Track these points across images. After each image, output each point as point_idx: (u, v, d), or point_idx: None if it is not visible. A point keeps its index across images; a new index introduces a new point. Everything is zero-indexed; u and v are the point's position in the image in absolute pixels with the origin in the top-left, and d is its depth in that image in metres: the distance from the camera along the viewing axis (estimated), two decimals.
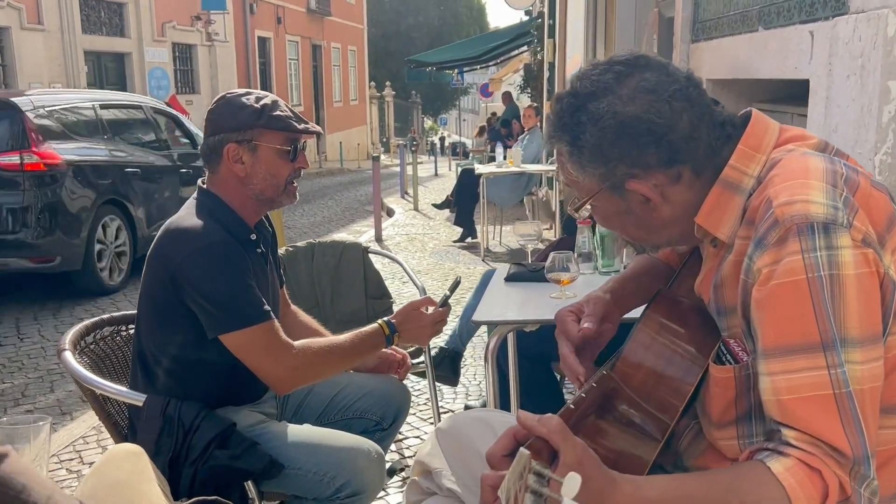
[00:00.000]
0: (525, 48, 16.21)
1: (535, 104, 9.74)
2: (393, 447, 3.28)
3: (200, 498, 1.11)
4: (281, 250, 3.06)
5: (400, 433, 3.42)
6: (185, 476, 1.80)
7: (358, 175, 19.66)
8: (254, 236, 1.99)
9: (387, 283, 3.45)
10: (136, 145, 7.18)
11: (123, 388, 1.97)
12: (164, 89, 16.20)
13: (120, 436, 2.04)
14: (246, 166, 1.91)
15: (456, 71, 20.96)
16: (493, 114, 18.83)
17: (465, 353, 3.69)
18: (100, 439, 3.51)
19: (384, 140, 29.68)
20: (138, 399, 1.90)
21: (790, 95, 2.63)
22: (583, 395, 1.16)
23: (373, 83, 30.33)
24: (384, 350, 2.32)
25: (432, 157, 22.40)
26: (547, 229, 7.92)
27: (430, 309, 2.07)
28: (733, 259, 1.16)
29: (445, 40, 27.96)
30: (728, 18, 2.90)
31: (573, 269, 2.19)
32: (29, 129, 5.92)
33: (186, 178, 7.43)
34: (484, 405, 3.45)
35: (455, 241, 8.54)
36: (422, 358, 2.95)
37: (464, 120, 49.66)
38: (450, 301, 2.13)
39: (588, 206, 1.28)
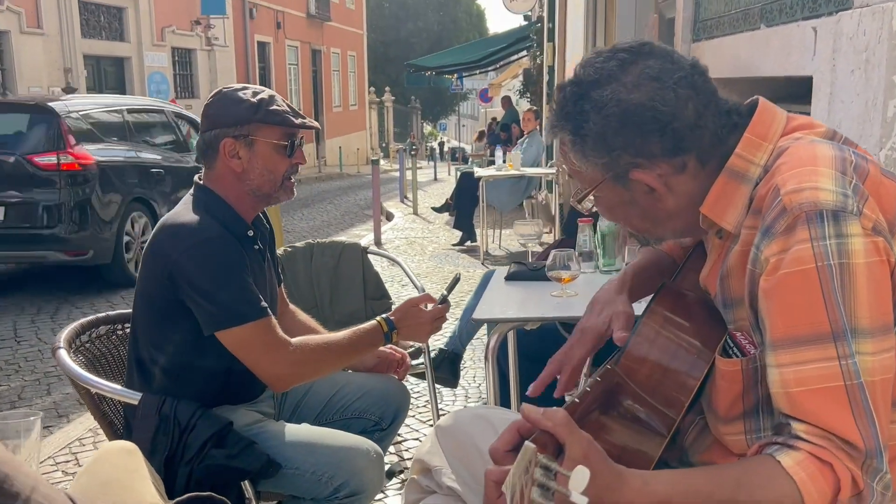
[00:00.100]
0: (524, 53, 16.22)
1: (535, 108, 9.72)
2: (392, 449, 3.25)
3: (194, 494, 1.08)
4: (279, 251, 3.04)
5: (399, 435, 3.39)
6: (181, 475, 1.77)
7: (357, 180, 19.64)
8: (251, 232, 1.96)
9: (386, 286, 3.43)
10: (160, 147, 7.67)
11: (118, 387, 1.94)
12: (164, 94, 16.19)
13: (116, 436, 2.01)
14: (242, 161, 1.89)
15: (455, 76, 20.96)
16: (494, 119, 18.83)
17: (464, 356, 3.66)
18: (96, 441, 3.48)
19: (384, 145, 29.66)
20: (133, 397, 1.87)
21: (792, 94, 2.60)
22: (587, 389, 1.13)
23: (372, 88, 30.34)
24: (383, 349, 2.30)
25: (431, 163, 22.39)
26: (546, 233, 7.90)
27: (430, 306, 2.04)
28: (739, 249, 1.14)
29: (445, 46, 28.00)
30: (729, 17, 2.88)
31: (574, 267, 2.17)
32: (64, 131, 6.34)
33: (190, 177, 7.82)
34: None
35: (454, 245, 8.51)
36: (421, 359, 2.92)
37: (463, 125, 49.70)
38: (449, 300, 2.11)
39: (591, 198, 1.25)
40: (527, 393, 1.37)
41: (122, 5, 15.77)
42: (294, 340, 1.87)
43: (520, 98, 17.35)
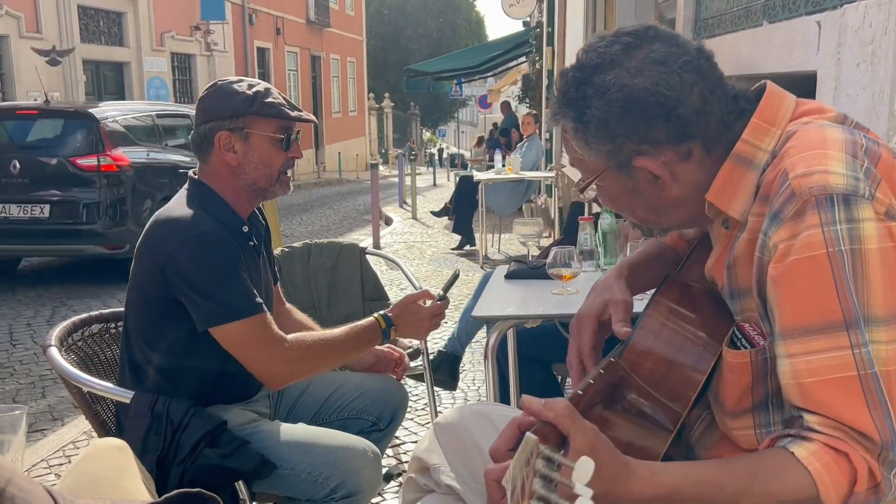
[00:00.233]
0: (523, 59, 16.20)
1: (534, 112, 9.70)
2: (390, 452, 3.21)
3: (183, 490, 1.04)
4: (277, 251, 3.00)
5: (397, 437, 3.35)
6: (174, 475, 1.73)
7: (356, 185, 19.63)
8: (246, 228, 1.93)
9: (385, 289, 3.38)
10: (187, 149, 8.19)
11: (109, 385, 1.90)
12: (163, 99, 16.19)
13: (107, 435, 1.97)
14: (238, 155, 1.85)
15: (454, 82, 20.95)
16: (495, 124, 18.81)
17: (464, 358, 3.62)
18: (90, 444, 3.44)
19: (383, 151, 29.66)
20: (125, 396, 1.83)
21: (795, 90, 2.56)
22: (590, 381, 1.09)
23: (371, 94, 30.36)
24: (381, 349, 2.26)
25: (431, 169, 22.38)
26: (546, 237, 7.86)
27: (429, 302, 2.00)
28: (747, 237, 1.10)
29: (444, 52, 27.97)
30: (731, 15, 2.86)
31: (575, 264, 2.13)
32: (103, 135, 6.92)
33: None
34: None
35: (453, 249, 8.48)
36: (420, 360, 2.88)
37: (462, 132, 49.72)
38: (448, 297, 2.07)
39: (594, 187, 1.22)
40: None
41: (121, 10, 15.77)
42: (290, 337, 1.84)
43: (519, 104, 17.32)
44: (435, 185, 19.26)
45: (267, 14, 21.17)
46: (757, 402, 1.11)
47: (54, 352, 1.92)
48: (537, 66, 12.38)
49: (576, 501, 0.65)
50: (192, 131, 1.92)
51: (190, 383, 1.86)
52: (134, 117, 7.62)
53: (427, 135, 41.12)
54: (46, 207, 6.79)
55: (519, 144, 9.34)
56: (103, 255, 6.98)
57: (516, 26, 17.09)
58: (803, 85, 2.26)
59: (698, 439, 1.23)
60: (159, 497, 1.07)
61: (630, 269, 1.45)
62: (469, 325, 3.46)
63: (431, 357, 3.37)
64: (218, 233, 1.81)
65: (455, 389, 3.69)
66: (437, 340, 4.42)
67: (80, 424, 3.67)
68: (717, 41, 2.98)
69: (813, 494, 0.95)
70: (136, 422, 1.78)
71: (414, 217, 11.64)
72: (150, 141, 7.63)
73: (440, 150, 31.50)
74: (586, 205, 4.49)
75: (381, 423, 2.14)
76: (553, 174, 7.81)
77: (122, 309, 2.02)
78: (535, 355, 2.48)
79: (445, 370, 3.42)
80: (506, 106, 15.19)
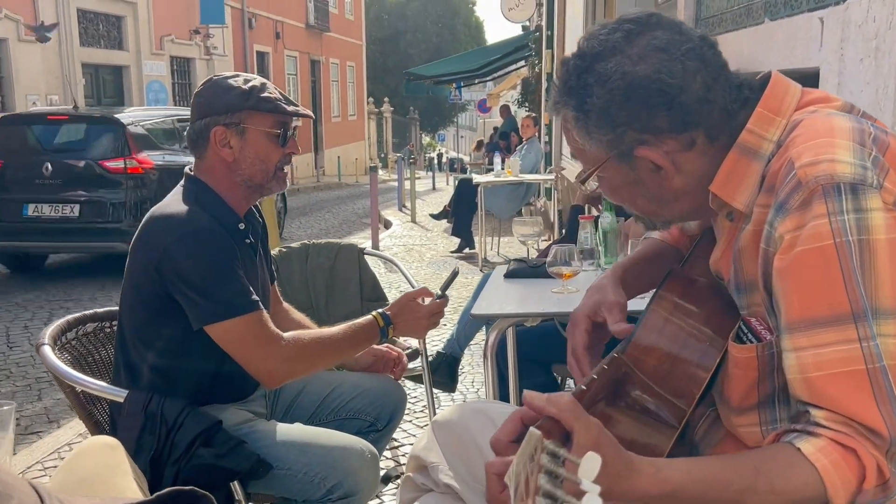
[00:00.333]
0: (522, 63, 16.20)
1: (534, 114, 9.68)
2: (388, 454, 3.18)
3: (176, 488, 1.01)
4: (274, 251, 2.97)
5: (395, 440, 3.32)
6: (168, 475, 1.71)
7: (356, 189, 19.61)
8: (242, 226, 1.90)
9: (383, 290, 3.35)
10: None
11: (103, 383, 1.87)
12: (162, 103, 16.17)
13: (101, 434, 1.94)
14: (234, 151, 1.83)
15: (454, 85, 20.95)
16: (495, 129, 18.81)
17: (463, 360, 3.60)
18: None
19: (382, 156, 29.64)
20: (119, 395, 1.80)
21: None
22: (594, 376, 1.06)
23: (371, 99, 30.35)
24: (379, 348, 2.24)
25: (430, 173, 22.37)
26: (545, 241, 7.83)
27: (427, 300, 1.98)
28: (752, 229, 1.08)
29: (443, 57, 27.96)
30: (732, 13, 2.84)
31: (575, 262, 2.11)
32: (129, 139, 7.30)
33: None
34: None
35: (453, 252, 8.45)
36: (418, 361, 2.85)
37: (461, 136, 49.71)
38: (447, 295, 2.04)
39: (595, 178, 1.19)
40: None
41: (120, 14, 15.75)
42: (287, 335, 1.81)
43: (518, 108, 17.32)
44: (434, 188, 19.23)
45: (266, 18, 21.16)
46: (763, 399, 1.09)
47: (47, 350, 1.89)
48: (536, 69, 12.37)
49: (583, 498, 0.62)
50: (188, 127, 1.90)
51: (185, 383, 1.83)
52: (156, 122, 7.94)
53: (426, 139, 41.12)
54: (76, 207, 7.17)
55: (518, 147, 9.32)
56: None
57: (515, 30, 17.10)
58: (806, 82, 2.22)
59: (703, 437, 1.20)
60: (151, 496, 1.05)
61: (625, 269, 1.42)
62: (468, 327, 3.43)
63: (430, 359, 3.35)
64: (214, 229, 1.78)
65: (454, 391, 3.67)
66: (436, 342, 4.39)
67: (76, 426, 3.64)
68: (717, 40, 2.96)
69: (820, 492, 0.92)
70: (130, 421, 1.76)
71: (413, 220, 11.62)
72: (170, 144, 7.87)
73: (439, 155, 31.47)
74: (586, 208, 4.47)
75: (378, 423, 2.11)
76: (552, 177, 7.79)
77: (118, 308, 2.00)
78: (534, 356, 2.45)
79: (444, 372, 3.39)
80: (505, 109, 15.19)
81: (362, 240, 9.88)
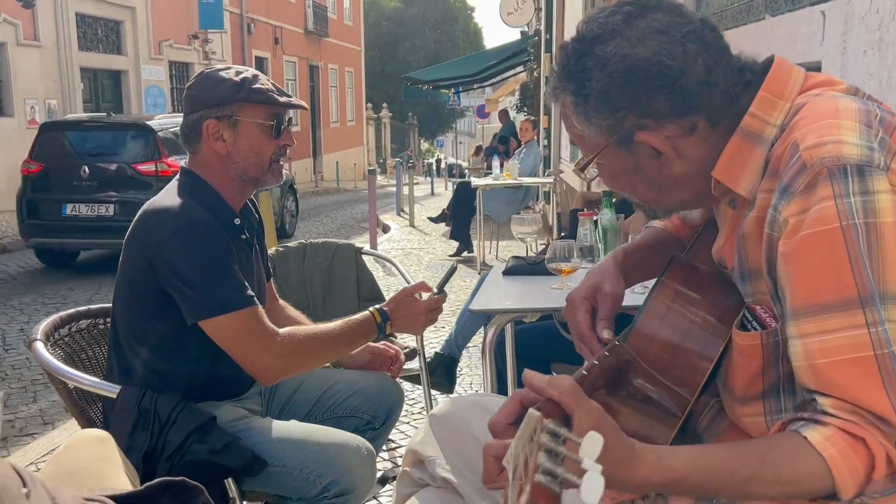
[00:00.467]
0: (521, 68, 16.20)
1: (533, 118, 9.68)
2: (385, 455, 3.16)
3: (166, 479, 0.99)
4: (271, 250, 2.95)
5: (393, 441, 3.29)
6: (161, 472, 1.67)
7: (354, 194, 19.61)
8: (238, 220, 1.87)
9: (381, 290, 3.33)
10: None
11: (95, 379, 1.84)
12: (161, 107, 16.17)
13: None
14: (227, 144, 1.80)
15: (452, 91, 20.95)
16: (495, 135, 18.79)
17: (461, 361, 3.57)
18: None
19: (381, 161, 29.63)
20: (111, 391, 1.77)
21: None
22: (595, 362, 1.04)
23: (369, 104, 30.37)
24: (376, 346, 2.21)
25: (429, 178, 22.37)
26: (542, 244, 7.80)
27: (426, 296, 1.95)
28: (756, 215, 1.05)
29: (442, 63, 28.03)
30: (732, 10, 2.83)
31: (575, 259, 2.08)
32: (160, 144, 7.83)
33: None
34: None
35: (451, 256, 8.42)
36: (416, 362, 2.83)
37: (460, 142, 49.74)
38: (446, 293, 2.01)
39: (595, 166, 1.17)
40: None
41: (119, 18, 15.76)
42: (283, 330, 1.78)
43: (517, 113, 17.31)
44: (433, 193, 19.23)
45: (265, 23, 21.18)
46: (768, 388, 1.06)
47: (40, 346, 1.86)
48: (535, 74, 12.37)
49: (584, 476, 0.59)
50: (182, 122, 1.88)
51: (179, 380, 1.80)
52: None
53: (425, 145, 41.13)
54: (111, 207, 7.74)
55: (517, 151, 9.31)
56: None
57: (514, 36, 17.11)
58: None
59: (706, 428, 1.17)
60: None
61: (626, 254, 1.39)
62: (466, 327, 3.41)
63: (428, 359, 3.32)
64: (208, 223, 1.75)
65: (452, 392, 3.63)
66: (433, 344, 4.37)
67: (71, 428, 3.61)
68: None
69: (828, 482, 0.90)
70: (123, 417, 1.73)
71: (411, 224, 11.60)
72: None
73: (438, 161, 31.47)
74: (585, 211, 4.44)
75: (375, 421, 2.08)
76: (551, 180, 7.78)
77: (111, 305, 1.97)
78: (533, 354, 2.43)
79: (442, 373, 3.36)
80: (504, 114, 15.17)
81: (361, 243, 9.81)
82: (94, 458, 1.25)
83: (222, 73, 1.81)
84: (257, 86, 1.79)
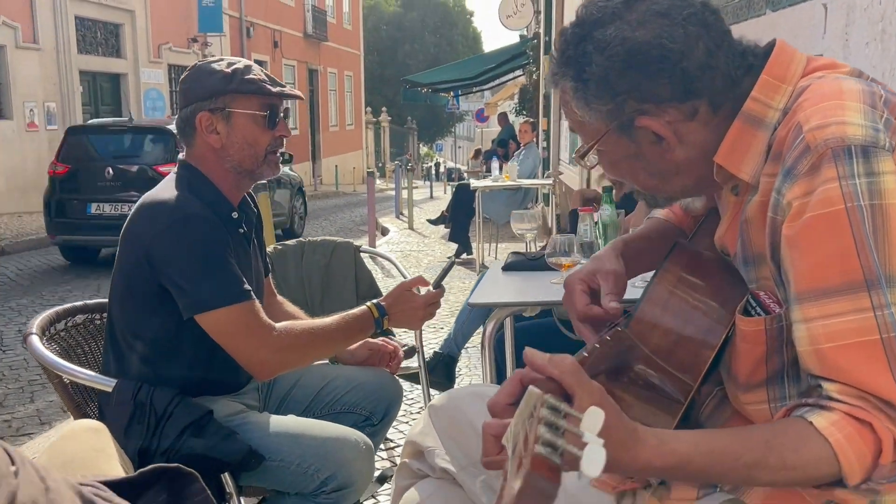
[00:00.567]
0: (520, 72, 16.20)
1: (532, 120, 9.67)
2: (384, 454, 3.14)
3: (160, 465, 0.97)
4: (269, 248, 2.93)
5: (391, 441, 3.27)
6: None
7: (353, 198, 19.60)
8: (235, 214, 1.86)
9: (380, 289, 3.31)
10: None
11: (91, 372, 1.83)
12: (160, 111, 16.17)
13: None
14: (221, 136, 1.78)
15: (451, 94, 20.95)
16: (494, 141, 18.78)
17: (460, 363, 3.55)
18: None
19: (380, 165, 29.64)
20: (107, 384, 1.76)
21: None
22: (596, 345, 1.02)
23: (368, 108, 30.38)
24: (375, 341, 2.19)
25: (427, 182, 22.36)
26: (542, 246, 7.79)
27: (423, 290, 1.93)
28: (759, 200, 1.04)
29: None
30: (732, 7, 2.81)
31: (575, 253, 2.07)
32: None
33: (267, 182, 10.23)
34: None
35: (450, 258, 8.40)
36: (415, 360, 2.80)
37: (459, 147, 49.79)
38: (444, 288, 1.99)
39: (595, 153, 1.15)
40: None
41: (118, 21, 15.76)
42: (279, 325, 1.76)
43: (516, 117, 17.30)
44: (432, 197, 19.23)
45: (264, 27, 21.20)
46: (771, 374, 1.04)
47: (35, 340, 1.85)
48: (534, 77, 12.37)
49: (585, 449, 0.58)
50: (177, 117, 1.86)
51: (175, 375, 1.78)
52: None
53: (424, 149, 41.15)
54: (133, 206, 8.17)
55: (516, 153, 9.30)
56: None
57: (513, 39, 17.12)
58: None
59: (709, 417, 1.16)
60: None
61: (626, 243, 1.37)
62: (465, 326, 3.39)
63: (427, 358, 3.30)
64: (205, 216, 1.74)
65: None
66: (432, 344, 4.35)
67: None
68: None
69: (834, 468, 0.88)
70: (119, 410, 1.71)
71: (410, 227, 11.59)
72: None
73: (437, 165, 31.48)
74: None
75: (374, 417, 2.07)
76: (550, 182, 7.76)
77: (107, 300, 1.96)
78: None
79: (441, 372, 3.35)
80: (503, 117, 15.17)
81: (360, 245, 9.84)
82: (89, 448, 1.23)
83: (214, 65, 1.79)
84: (249, 76, 1.77)
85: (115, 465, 1.23)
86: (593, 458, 0.58)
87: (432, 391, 3.41)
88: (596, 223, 2.46)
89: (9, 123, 13.07)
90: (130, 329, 1.80)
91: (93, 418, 1.92)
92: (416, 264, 8.23)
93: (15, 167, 13.18)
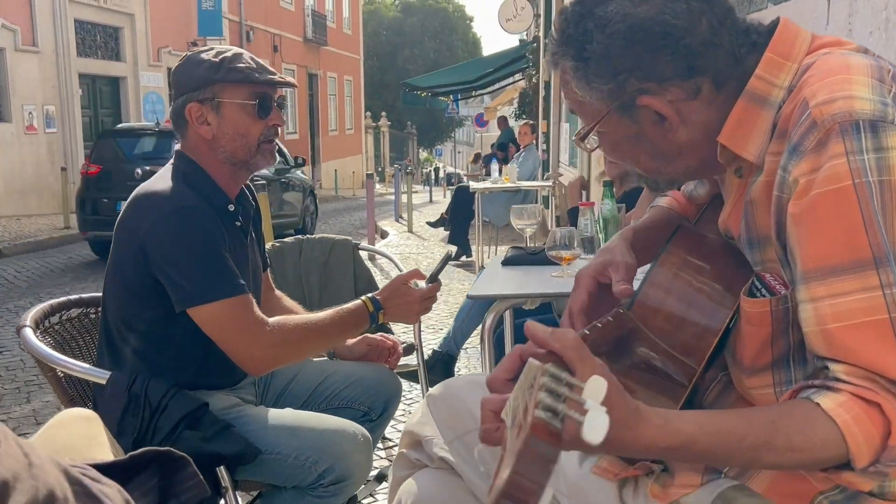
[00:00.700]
0: (519, 76, 16.20)
1: (531, 122, 9.66)
2: (382, 454, 3.11)
3: (151, 448, 0.95)
4: (267, 245, 2.91)
5: (390, 440, 3.24)
6: None
7: (352, 202, 19.59)
8: (232, 207, 1.83)
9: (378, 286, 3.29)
10: None
11: (85, 365, 1.80)
12: (159, 114, 16.14)
13: None
14: (212, 127, 1.75)
15: (451, 98, 20.95)
16: (493, 145, 18.77)
17: (459, 364, 3.53)
18: None
19: (380, 170, 29.64)
20: (101, 377, 1.73)
21: None
22: (597, 325, 1.00)
23: (368, 113, 30.39)
24: (374, 337, 2.17)
25: (427, 187, 22.36)
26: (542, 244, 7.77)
27: (420, 284, 1.90)
28: (764, 180, 1.02)
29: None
30: (734, 3, 2.80)
31: (576, 247, 2.04)
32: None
33: (283, 184, 10.73)
34: None
35: (447, 252, 8.38)
36: (414, 358, 2.78)
37: (459, 152, 49.83)
38: (440, 282, 1.96)
39: (595, 135, 1.13)
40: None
41: (118, 25, 15.77)
42: (272, 320, 1.73)
43: (516, 121, 17.30)
44: (431, 201, 19.22)
45: (264, 31, 21.21)
46: (777, 358, 1.02)
47: (28, 332, 1.82)
48: (534, 80, 12.37)
49: (587, 415, 0.55)
50: (171, 109, 1.84)
51: (169, 368, 1.75)
52: None
53: (424, 154, 41.15)
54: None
55: (516, 155, 9.29)
56: None
57: (512, 42, 17.10)
58: None
59: (713, 403, 1.13)
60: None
61: (636, 233, 1.35)
62: (465, 325, 3.37)
63: (426, 357, 3.27)
64: (199, 208, 1.71)
65: None
66: (431, 341, 4.33)
67: None
68: None
69: (841, 449, 0.86)
70: (113, 402, 1.68)
71: (410, 231, 11.57)
72: None
73: (436, 170, 31.48)
74: None
75: (372, 413, 2.04)
76: (550, 183, 7.74)
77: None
78: None
79: (440, 370, 3.33)
80: (503, 121, 15.18)
81: None
82: (80, 436, 1.21)
83: (203, 55, 1.76)
84: (237, 64, 1.74)
85: (107, 454, 1.21)
86: (595, 424, 0.55)
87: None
88: (597, 219, 2.44)
89: (7, 126, 13.06)
90: (124, 321, 1.78)
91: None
92: (416, 266, 8.20)
93: (13, 170, 13.17)
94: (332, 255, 3.16)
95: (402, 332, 3.23)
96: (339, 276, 3.14)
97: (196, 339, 1.71)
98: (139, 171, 8.52)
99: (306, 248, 3.15)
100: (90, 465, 0.88)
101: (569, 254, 2.03)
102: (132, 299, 1.76)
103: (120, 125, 11.91)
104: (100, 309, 2.06)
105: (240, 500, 1.76)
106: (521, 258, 2.33)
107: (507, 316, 2.13)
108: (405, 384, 3.50)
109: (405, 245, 10.15)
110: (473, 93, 19.55)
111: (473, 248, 7.93)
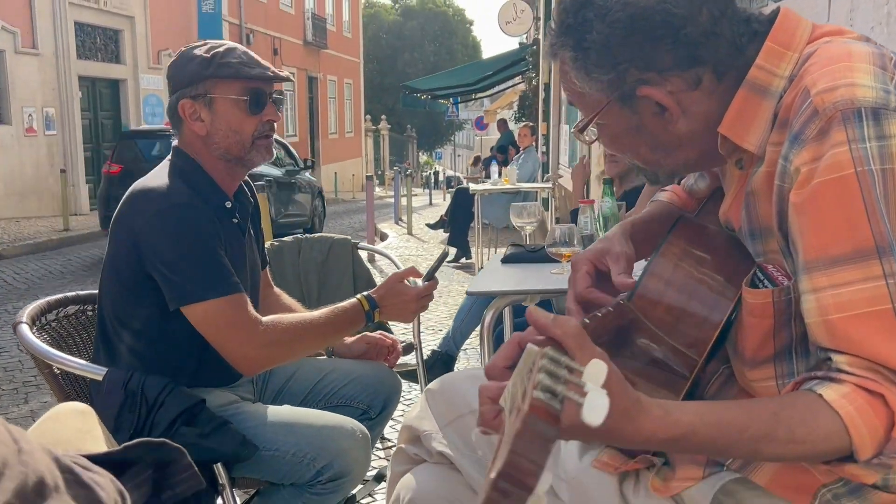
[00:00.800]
0: (519, 79, 16.21)
1: (531, 124, 9.66)
2: (381, 454, 3.09)
3: (146, 439, 0.94)
4: (266, 244, 2.90)
5: (389, 440, 3.23)
6: None
7: (352, 205, 19.59)
8: (229, 204, 1.81)
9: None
10: (275, 164, 10.55)
11: (81, 361, 1.79)
12: (159, 116, 16.16)
13: None
14: (206, 123, 1.73)
15: (451, 101, 20.95)
16: (492, 148, 18.77)
17: (458, 364, 3.52)
18: None
19: (379, 173, 29.65)
20: (98, 373, 1.72)
21: None
22: (598, 314, 0.99)
23: (368, 116, 30.41)
24: (373, 335, 2.16)
25: (426, 190, 22.36)
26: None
27: (417, 282, 1.88)
28: (765, 170, 1.01)
29: None
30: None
31: (576, 244, 2.03)
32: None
33: (293, 186, 11.08)
34: None
35: (449, 262, 8.37)
36: (413, 357, 2.77)
37: (458, 155, 49.86)
38: (437, 280, 1.94)
39: (594, 127, 1.12)
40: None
41: (118, 27, 15.78)
42: (266, 319, 1.71)
43: (515, 124, 17.30)
44: (431, 204, 19.22)
45: (264, 34, 21.22)
46: (779, 350, 1.01)
47: (25, 329, 1.81)
48: (534, 83, 12.38)
49: (586, 397, 0.54)
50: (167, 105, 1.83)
51: (166, 365, 1.73)
52: None
53: (423, 157, 41.18)
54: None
55: (516, 157, 9.28)
56: None
57: (512, 45, 17.12)
58: None
59: (714, 396, 1.12)
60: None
61: (634, 225, 1.34)
62: (464, 325, 3.36)
63: (426, 357, 3.26)
64: (194, 205, 1.69)
65: None
66: (431, 341, 4.32)
67: None
68: None
69: (844, 441, 0.85)
70: (109, 399, 1.67)
71: (409, 233, 11.57)
72: None
73: (436, 173, 31.48)
74: None
75: (371, 411, 2.03)
76: (550, 185, 7.74)
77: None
78: None
79: (439, 370, 3.32)
80: (502, 123, 15.15)
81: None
82: (74, 430, 1.20)
83: (196, 51, 1.74)
84: (228, 59, 1.71)
85: (102, 447, 1.19)
86: (595, 406, 0.54)
87: None
88: (596, 217, 2.43)
89: (7, 129, 13.06)
90: (119, 318, 1.77)
91: None
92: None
93: (13, 172, 13.17)
94: (331, 254, 3.15)
95: (401, 332, 3.22)
96: (338, 275, 3.13)
97: (192, 337, 1.69)
98: None
99: (305, 248, 3.14)
100: (84, 456, 0.87)
101: (569, 251, 2.02)
102: (127, 296, 1.75)
103: (139, 127, 12.48)
104: (96, 306, 2.06)
105: (237, 497, 1.75)
106: (521, 255, 2.32)
107: (507, 313, 2.12)
108: (404, 384, 3.50)
109: (404, 247, 10.15)
110: (473, 96, 19.58)
111: (473, 250, 7.92)
